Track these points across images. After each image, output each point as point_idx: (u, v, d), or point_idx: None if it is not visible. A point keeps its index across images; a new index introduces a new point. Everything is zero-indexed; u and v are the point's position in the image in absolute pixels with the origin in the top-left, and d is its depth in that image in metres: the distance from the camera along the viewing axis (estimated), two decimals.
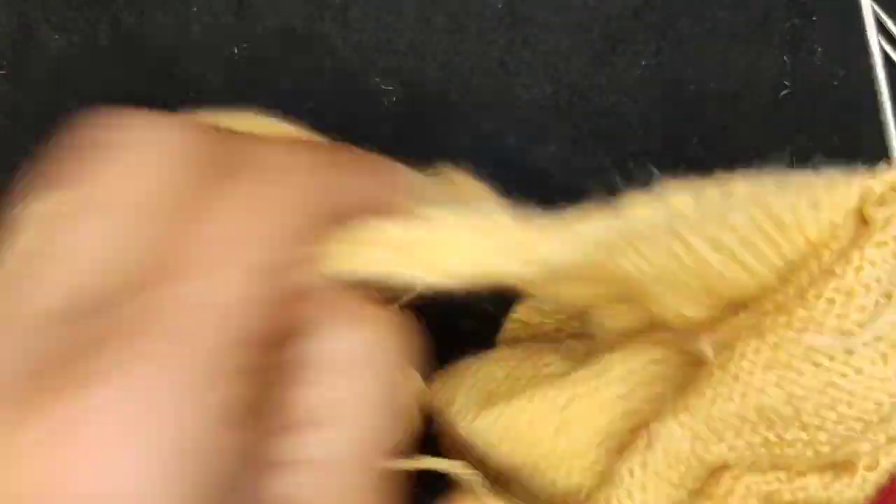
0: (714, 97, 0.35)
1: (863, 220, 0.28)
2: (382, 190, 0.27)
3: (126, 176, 0.23)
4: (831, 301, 0.27)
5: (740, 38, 0.39)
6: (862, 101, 0.39)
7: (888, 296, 0.28)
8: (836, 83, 0.39)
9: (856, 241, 0.28)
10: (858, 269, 0.27)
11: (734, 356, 0.28)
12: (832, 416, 0.28)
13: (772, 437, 0.29)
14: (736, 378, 0.28)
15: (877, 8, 0.38)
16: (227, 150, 0.24)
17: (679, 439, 0.29)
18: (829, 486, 0.30)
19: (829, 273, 0.28)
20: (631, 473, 0.30)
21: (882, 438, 0.29)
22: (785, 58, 0.39)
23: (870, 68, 0.39)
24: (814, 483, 0.30)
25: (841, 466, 0.30)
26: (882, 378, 0.27)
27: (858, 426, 0.28)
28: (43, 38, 0.40)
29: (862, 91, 0.39)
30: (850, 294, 0.27)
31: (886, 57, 0.38)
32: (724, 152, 0.33)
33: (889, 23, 0.38)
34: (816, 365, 0.27)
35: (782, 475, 0.30)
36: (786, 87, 0.39)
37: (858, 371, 0.27)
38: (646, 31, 0.39)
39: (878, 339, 0.27)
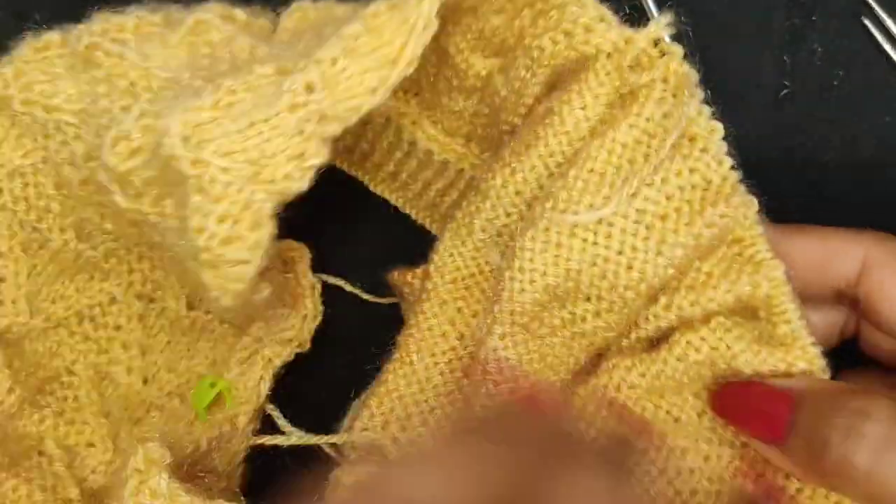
0: (714, 97, 0.35)
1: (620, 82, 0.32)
2: None
3: None
4: (586, 182, 0.31)
5: (740, 38, 0.39)
6: (862, 101, 0.39)
7: (636, 172, 0.31)
8: (835, 83, 0.39)
9: (611, 119, 0.32)
10: (611, 150, 0.31)
11: (516, 251, 0.32)
12: (605, 284, 0.32)
13: (566, 315, 0.32)
14: (522, 270, 0.32)
15: (877, 8, 0.38)
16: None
17: (497, 349, 0.32)
18: (634, 368, 0.32)
19: (585, 153, 0.31)
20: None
21: (672, 316, 0.32)
22: (785, 58, 0.39)
23: (869, 68, 0.39)
24: (625, 365, 0.32)
25: (648, 346, 0.33)
26: (644, 248, 0.31)
27: (630, 294, 0.32)
28: None
29: (861, 91, 0.39)
30: (602, 175, 0.31)
31: (887, 57, 0.38)
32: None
33: (889, 22, 0.38)
34: (583, 240, 0.31)
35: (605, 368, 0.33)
36: (786, 87, 0.39)
37: (621, 241, 0.31)
38: None
39: (642, 211, 0.31)
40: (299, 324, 0.38)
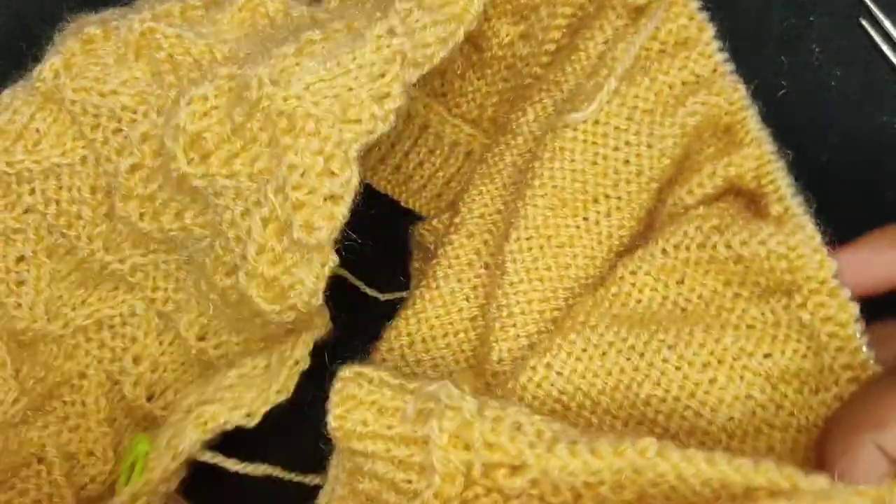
0: None
1: None
2: None
3: None
4: (588, 93, 0.34)
5: (738, 38, 0.39)
6: (859, 102, 0.39)
7: (615, 76, 0.34)
8: (833, 83, 0.39)
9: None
10: (610, 66, 0.34)
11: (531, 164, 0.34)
12: (608, 182, 0.34)
13: (580, 221, 0.34)
14: (534, 177, 0.33)
15: (874, 8, 0.38)
16: None
17: (512, 251, 0.34)
18: (636, 257, 0.33)
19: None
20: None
21: (678, 209, 0.33)
22: (782, 58, 0.39)
23: (866, 68, 0.39)
24: (629, 257, 0.33)
25: None
26: (637, 142, 0.33)
27: (633, 188, 0.34)
28: None
29: (859, 91, 0.39)
30: (600, 85, 0.34)
31: (884, 57, 0.39)
32: None
33: (886, 22, 0.38)
34: (583, 141, 0.33)
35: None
36: (783, 87, 0.39)
37: (615, 139, 0.34)
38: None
39: (633, 108, 0.33)
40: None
